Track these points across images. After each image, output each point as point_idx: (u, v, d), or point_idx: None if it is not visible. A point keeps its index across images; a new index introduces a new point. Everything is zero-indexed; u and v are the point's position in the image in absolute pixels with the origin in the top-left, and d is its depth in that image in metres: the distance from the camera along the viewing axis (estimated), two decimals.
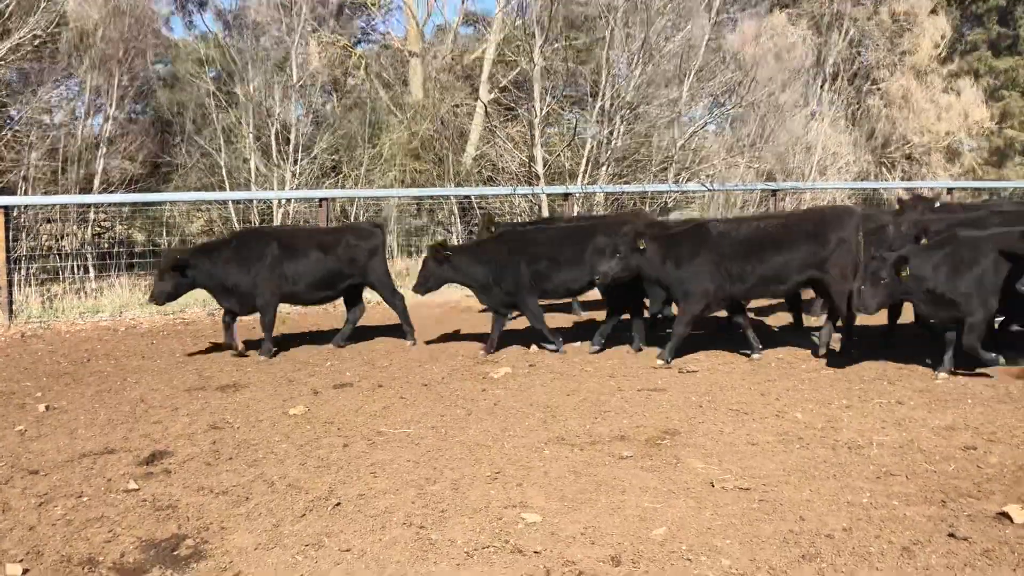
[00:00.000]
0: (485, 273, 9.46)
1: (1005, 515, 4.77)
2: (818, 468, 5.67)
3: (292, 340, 10.49)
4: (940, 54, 26.11)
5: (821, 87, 24.15)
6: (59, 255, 15.68)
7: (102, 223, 17.12)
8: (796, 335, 9.99)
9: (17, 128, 16.65)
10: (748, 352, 9.03)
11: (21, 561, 4.41)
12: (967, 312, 7.70)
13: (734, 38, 21.57)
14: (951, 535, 4.58)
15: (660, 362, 8.77)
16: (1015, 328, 9.01)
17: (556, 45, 18.65)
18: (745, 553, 4.42)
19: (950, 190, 18.80)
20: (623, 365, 8.79)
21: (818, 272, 8.81)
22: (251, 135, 17.89)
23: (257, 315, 9.73)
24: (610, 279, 8.80)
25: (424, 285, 9.53)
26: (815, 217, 9.15)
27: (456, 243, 14.84)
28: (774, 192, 16.77)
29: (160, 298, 9.31)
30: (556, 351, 9.45)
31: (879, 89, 25.50)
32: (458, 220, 18.17)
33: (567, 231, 9.94)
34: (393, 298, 10.24)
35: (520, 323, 10.72)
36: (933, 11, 25.71)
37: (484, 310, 11.12)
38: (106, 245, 16.89)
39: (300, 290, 9.72)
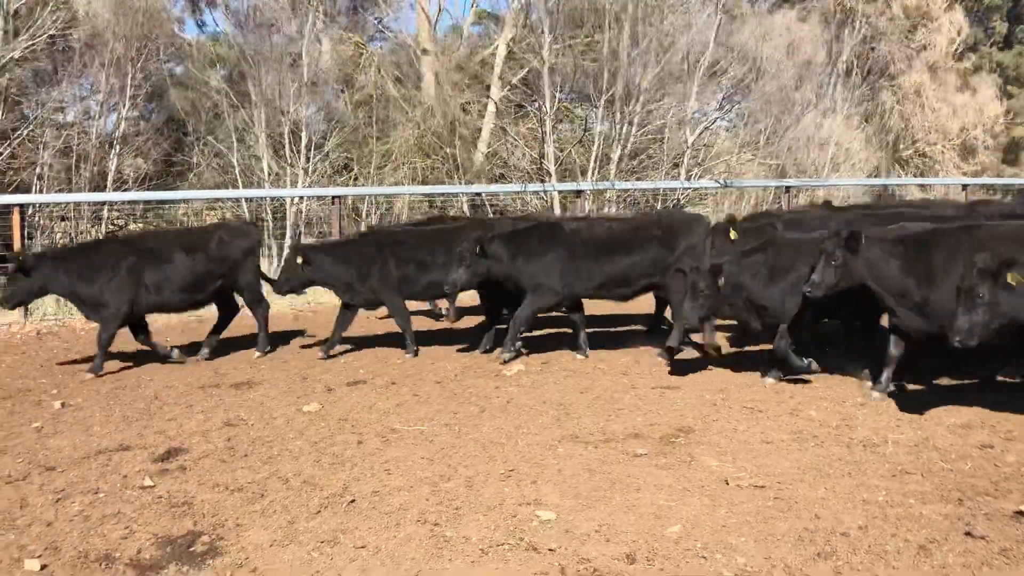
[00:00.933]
0: (350, 273, 9.23)
1: (1022, 514, 4.75)
2: (833, 466, 5.65)
3: (305, 337, 10.52)
4: (956, 50, 25.93)
5: (834, 84, 24.03)
6: None
7: (115, 221, 17.17)
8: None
9: (31, 127, 16.73)
10: (577, 353, 9.07)
11: (39, 557, 4.45)
12: (779, 317, 7.56)
13: (745, 34, 21.47)
14: (968, 534, 4.55)
15: (506, 355, 8.77)
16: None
17: (567, 42, 18.62)
18: (760, 551, 4.41)
19: (965, 187, 18.69)
20: (636, 363, 8.77)
21: (662, 278, 8.80)
22: (263, 133, 17.93)
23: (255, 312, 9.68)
24: (458, 287, 8.85)
25: (286, 284, 9.22)
26: (665, 223, 9.17)
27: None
28: (787, 189, 16.71)
29: (7, 302, 8.88)
30: (414, 356, 9.26)
31: (893, 85, 25.36)
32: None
33: (436, 232, 9.78)
34: (258, 305, 9.65)
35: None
36: (949, 6, 25.54)
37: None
38: None
39: (165, 299, 9.02)
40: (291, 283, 9.25)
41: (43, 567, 4.35)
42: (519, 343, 9.05)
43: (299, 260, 9.18)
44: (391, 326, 10.42)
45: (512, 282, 8.90)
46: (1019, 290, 5.73)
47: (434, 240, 9.50)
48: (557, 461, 5.81)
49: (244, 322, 10.06)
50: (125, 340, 9.35)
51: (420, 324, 10.69)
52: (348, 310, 9.50)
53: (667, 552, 4.41)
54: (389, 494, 5.26)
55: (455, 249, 8.76)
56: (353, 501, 5.15)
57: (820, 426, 6.50)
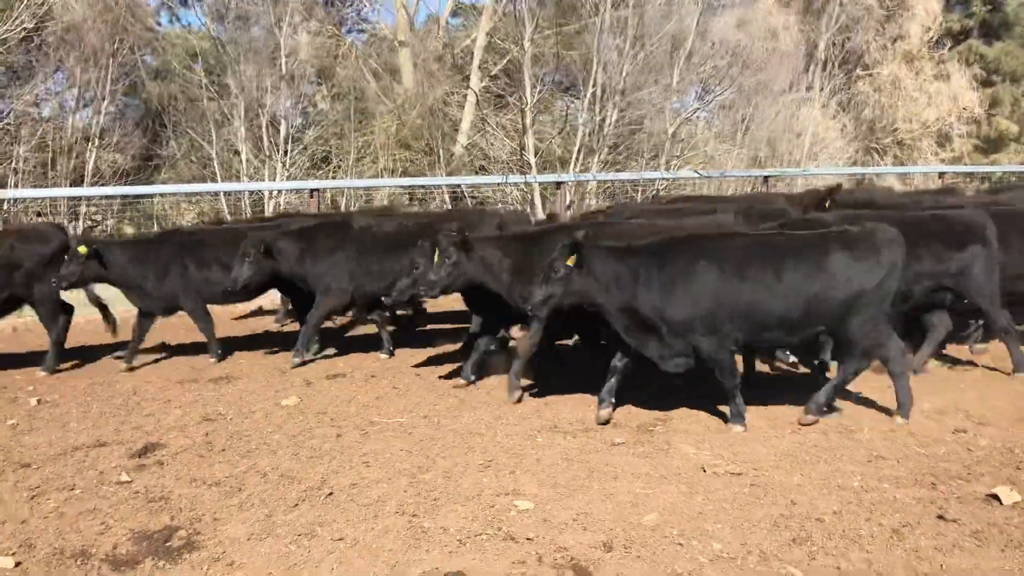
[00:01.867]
0: (143, 274, 8.65)
1: (994, 497, 4.82)
2: (809, 452, 5.70)
3: (286, 335, 10.49)
4: (931, 39, 26.09)
5: (811, 72, 24.13)
6: None
7: (93, 216, 17.03)
8: None
9: (6, 121, 16.55)
10: (380, 352, 8.94)
11: (14, 554, 4.42)
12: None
13: (724, 23, 21.51)
14: (940, 517, 4.61)
15: (296, 360, 8.58)
16: None
17: (547, 32, 18.60)
18: (736, 537, 4.44)
19: (941, 175, 18.82)
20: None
21: None
22: (243, 127, 17.83)
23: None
24: (240, 285, 8.32)
25: (66, 281, 8.27)
26: (457, 218, 8.92)
27: None
28: (765, 179, 16.76)
29: None
30: (217, 361, 8.89)
31: (869, 75, 25.50)
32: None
33: (238, 232, 9.02)
34: (53, 321, 8.63)
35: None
36: None
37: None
38: None
39: None
40: (72, 277, 8.29)
41: (17, 564, 4.32)
42: (315, 346, 8.96)
43: (83, 251, 8.28)
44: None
45: (303, 282, 8.63)
46: (586, 271, 6.12)
47: (237, 240, 8.66)
48: (535, 451, 5.83)
49: (221, 318, 10.01)
50: (107, 336, 9.29)
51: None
52: (145, 318, 8.84)
53: (644, 540, 4.44)
54: (367, 486, 5.26)
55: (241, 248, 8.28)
56: (331, 494, 5.14)
57: (796, 413, 6.54)
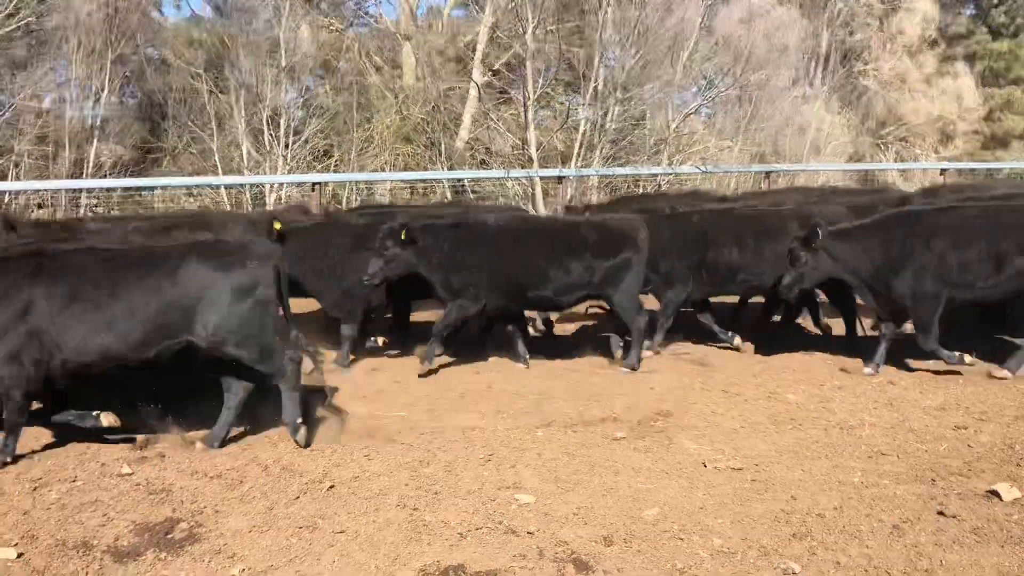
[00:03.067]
0: None
1: (994, 493, 4.82)
2: (810, 448, 5.71)
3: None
4: (928, 36, 26.02)
5: (813, 68, 24.10)
6: None
7: (94, 208, 17.02)
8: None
9: (7, 113, 16.54)
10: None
11: (16, 545, 4.42)
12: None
13: (726, 19, 21.47)
14: (941, 513, 4.62)
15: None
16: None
17: (549, 27, 18.55)
18: (737, 532, 4.45)
19: (943, 171, 18.80)
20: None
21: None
22: (242, 120, 17.81)
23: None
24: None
25: None
26: (254, 217, 8.97)
27: None
28: (767, 174, 16.75)
29: None
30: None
31: (870, 70, 25.45)
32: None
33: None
34: None
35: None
36: None
37: None
38: None
39: None
40: None
41: (20, 555, 4.32)
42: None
43: None
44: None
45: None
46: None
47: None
48: (536, 445, 5.83)
49: None
50: None
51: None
52: None
53: (644, 534, 4.45)
54: (369, 479, 5.26)
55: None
56: (332, 487, 5.15)
57: (798, 409, 6.57)
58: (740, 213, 8.80)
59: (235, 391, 5.97)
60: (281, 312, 6.03)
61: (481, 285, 7.76)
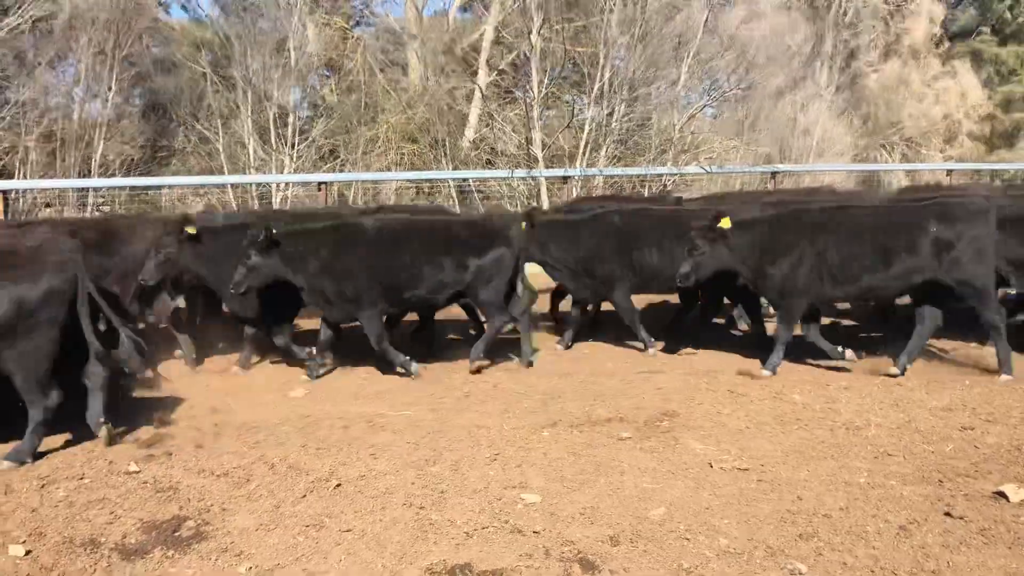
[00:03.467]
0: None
1: (1001, 494, 4.81)
2: (816, 449, 5.70)
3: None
4: (935, 36, 25.95)
5: (818, 69, 24.05)
6: None
7: (101, 207, 17.06)
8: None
9: (15, 111, 16.58)
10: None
11: (24, 542, 4.44)
12: None
13: (731, 19, 21.44)
14: (947, 514, 4.61)
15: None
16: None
17: (555, 26, 18.54)
18: (743, 532, 4.45)
19: (949, 172, 18.77)
20: (621, 349, 8.80)
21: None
22: (249, 119, 17.83)
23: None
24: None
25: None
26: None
27: None
28: (773, 175, 16.72)
29: None
30: None
31: (875, 71, 25.40)
32: (456, 203, 18.11)
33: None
34: None
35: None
36: None
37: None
38: None
39: None
40: None
41: (28, 552, 4.34)
42: None
43: None
44: None
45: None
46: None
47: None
48: (542, 445, 5.84)
49: None
50: None
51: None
52: None
53: (650, 534, 4.45)
54: (375, 478, 5.27)
55: None
56: (339, 485, 5.16)
57: (804, 409, 6.55)
58: (659, 214, 8.91)
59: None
60: (88, 322, 5.89)
61: (360, 290, 7.63)
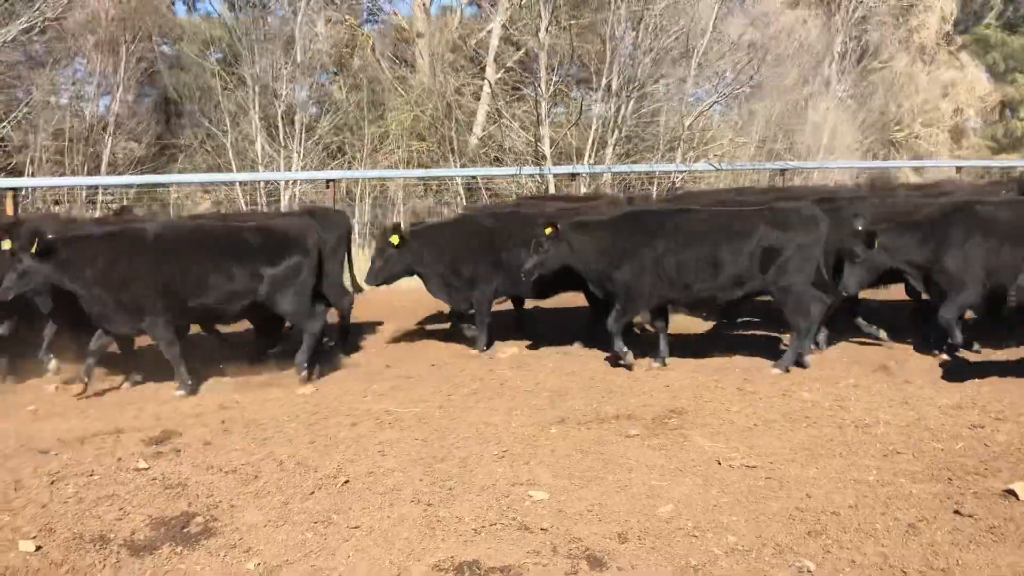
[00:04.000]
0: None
1: (1011, 492, 4.79)
2: (825, 446, 5.69)
3: None
4: (947, 32, 25.82)
5: (828, 66, 23.94)
6: None
7: (109, 205, 17.11)
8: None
9: (25, 110, 16.64)
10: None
11: (34, 538, 4.46)
12: None
13: (740, 16, 21.38)
14: (957, 512, 4.59)
15: None
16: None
17: (563, 24, 18.52)
18: (751, 530, 4.44)
19: (959, 169, 18.67)
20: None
21: None
22: (257, 116, 17.86)
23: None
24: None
25: None
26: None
27: None
28: (782, 171, 16.67)
29: None
30: None
31: (886, 67, 25.27)
32: (464, 200, 18.11)
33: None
34: None
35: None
36: None
37: None
38: None
39: None
40: None
41: (38, 548, 4.36)
42: None
43: None
44: (380, 312, 10.45)
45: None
46: None
47: None
48: (550, 442, 5.84)
49: None
50: None
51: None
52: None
53: (658, 531, 4.44)
54: (383, 475, 5.28)
55: None
56: (347, 482, 5.17)
57: (812, 407, 6.53)
58: (527, 215, 8.85)
59: None
60: None
61: (144, 300, 7.13)
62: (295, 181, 17.15)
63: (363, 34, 21.84)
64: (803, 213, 7.73)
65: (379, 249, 8.57)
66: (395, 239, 8.38)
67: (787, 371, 7.54)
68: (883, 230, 7.70)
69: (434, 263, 8.60)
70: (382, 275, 8.55)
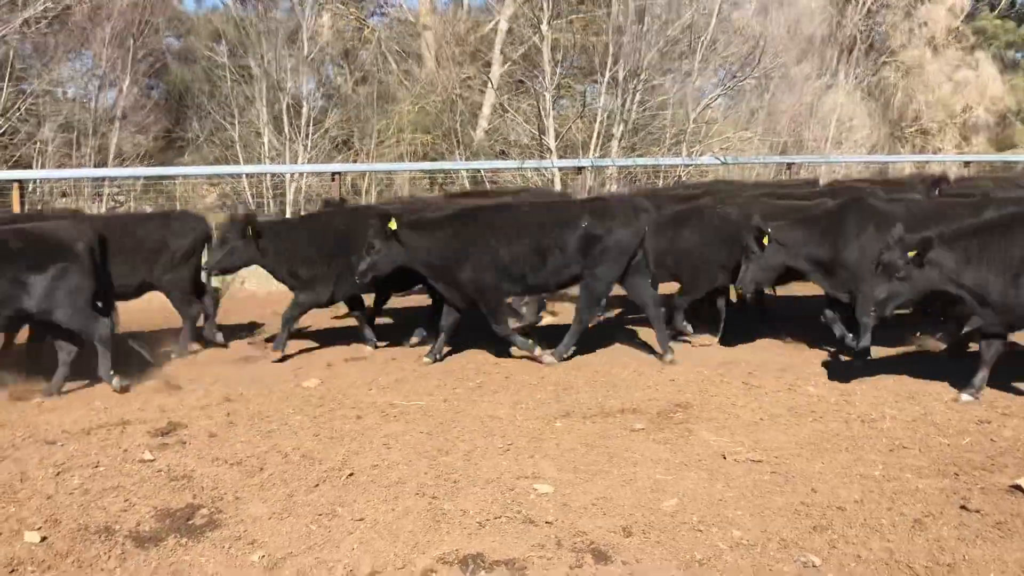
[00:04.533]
0: None
1: (1018, 488, 4.77)
2: (831, 441, 5.67)
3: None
4: (958, 27, 25.67)
5: (837, 58, 23.84)
6: None
7: (116, 197, 17.14)
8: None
9: (32, 101, 16.66)
10: None
11: (39, 529, 4.47)
12: None
13: (747, 7, 21.27)
14: (963, 507, 4.58)
15: None
16: None
17: (568, 17, 18.47)
18: (756, 524, 4.43)
19: (967, 164, 18.60)
20: (632, 340, 8.78)
21: None
22: (263, 109, 17.86)
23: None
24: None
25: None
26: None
27: None
28: (789, 166, 16.62)
29: None
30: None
31: (895, 61, 25.15)
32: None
33: None
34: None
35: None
36: None
37: None
38: None
39: None
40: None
41: (43, 539, 4.37)
42: None
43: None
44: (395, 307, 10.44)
45: None
46: None
47: None
48: (555, 436, 5.83)
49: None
50: (128, 317, 9.34)
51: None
52: None
53: (663, 525, 4.44)
54: (388, 468, 5.28)
55: None
56: (352, 475, 5.17)
57: (818, 401, 6.52)
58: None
59: None
60: None
61: None
62: (301, 174, 17.15)
63: (369, 27, 21.83)
64: (623, 206, 7.89)
65: (222, 240, 8.27)
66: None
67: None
68: (777, 227, 7.48)
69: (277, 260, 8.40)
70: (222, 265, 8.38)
